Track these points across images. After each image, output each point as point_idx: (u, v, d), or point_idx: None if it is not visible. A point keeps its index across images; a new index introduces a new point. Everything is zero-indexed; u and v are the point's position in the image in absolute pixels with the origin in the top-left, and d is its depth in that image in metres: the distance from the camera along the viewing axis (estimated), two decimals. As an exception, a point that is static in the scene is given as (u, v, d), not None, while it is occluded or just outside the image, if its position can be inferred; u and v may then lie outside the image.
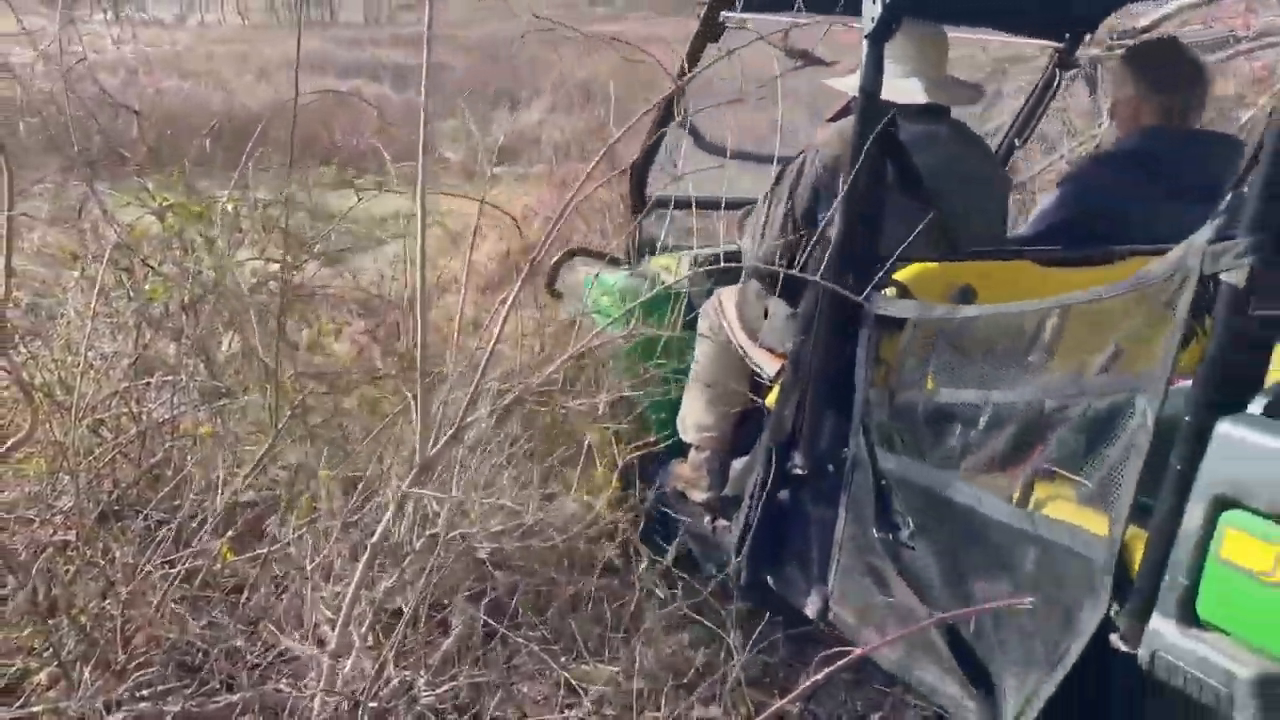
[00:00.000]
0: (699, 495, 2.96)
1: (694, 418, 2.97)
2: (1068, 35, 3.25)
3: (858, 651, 1.48)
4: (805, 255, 2.46)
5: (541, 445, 2.93)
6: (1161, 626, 1.61)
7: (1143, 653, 1.64)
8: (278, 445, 2.54)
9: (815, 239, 2.43)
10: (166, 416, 2.78)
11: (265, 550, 2.40)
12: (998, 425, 1.95)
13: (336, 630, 2.16)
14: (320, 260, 3.67)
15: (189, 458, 2.67)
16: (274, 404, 2.56)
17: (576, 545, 2.73)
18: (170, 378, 2.86)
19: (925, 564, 2.12)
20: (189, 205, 2.87)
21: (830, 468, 2.37)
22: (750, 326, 2.80)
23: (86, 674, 2.10)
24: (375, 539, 2.16)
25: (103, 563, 2.30)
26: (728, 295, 2.91)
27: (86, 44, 3.13)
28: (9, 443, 2.35)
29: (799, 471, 2.43)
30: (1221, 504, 1.53)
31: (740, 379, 2.86)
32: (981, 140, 2.87)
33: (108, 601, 2.25)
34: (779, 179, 2.66)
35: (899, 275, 2.25)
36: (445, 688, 2.22)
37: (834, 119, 2.68)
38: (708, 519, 2.92)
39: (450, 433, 2.11)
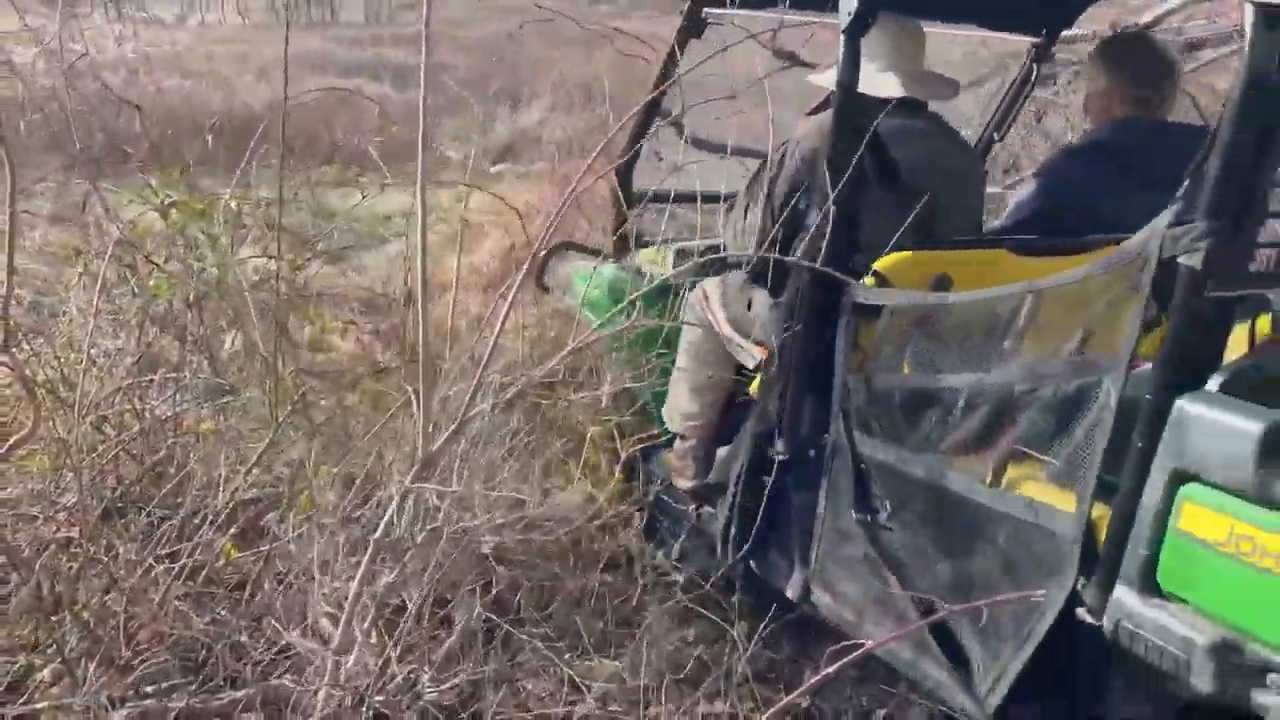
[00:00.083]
0: (685, 483, 3.00)
1: (680, 407, 3.02)
2: (1045, 31, 3.29)
3: (868, 645, 1.49)
4: (785, 246, 2.50)
5: (543, 438, 2.93)
6: (1124, 597, 1.68)
7: (1107, 623, 1.70)
8: (279, 441, 2.54)
9: (795, 231, 2.48)
10: (169, 414, 2.78)
11: (268, 546, 2.40)
12: (971, 408, 2.01)
13: (340, 626, 2.16)
14: (322, 259, 3.67)
15: (192, 455, 2.67)
16: (274, 400, 2.55)
17: (579, 539, 2.73)
18: (173, 375, 2.86)
19: (902, 545, 2.18)
20: (192, 203, 2.87)
21: (811, 453, 2.43)
22: (733, 317, 2.84)
23: (90, 670, 2.10)
24: (378, 534, 2.16)
25: (106, 559, 2.30)
26: (712, 286, 2.94)
27: (88, 42, 3.12)
28: (12, 440, 2.35)
29: (781, 458, 2.49)
30: (1180, 478, 1.60)
31: (724, 369, 2.90)
32: (958, 133, 2.92)
33: (111, 598, 2.25)
34: (759, 172, 2.72)
35: (877, 264, 2.29)
36: (449, 684, 2.22)
37: (813, 113, 2.74)
38: (693, 506, 2.96)
39: (454, 427, 2.11)
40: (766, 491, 2.52)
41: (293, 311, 3.13)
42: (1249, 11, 1.52)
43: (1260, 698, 1.53)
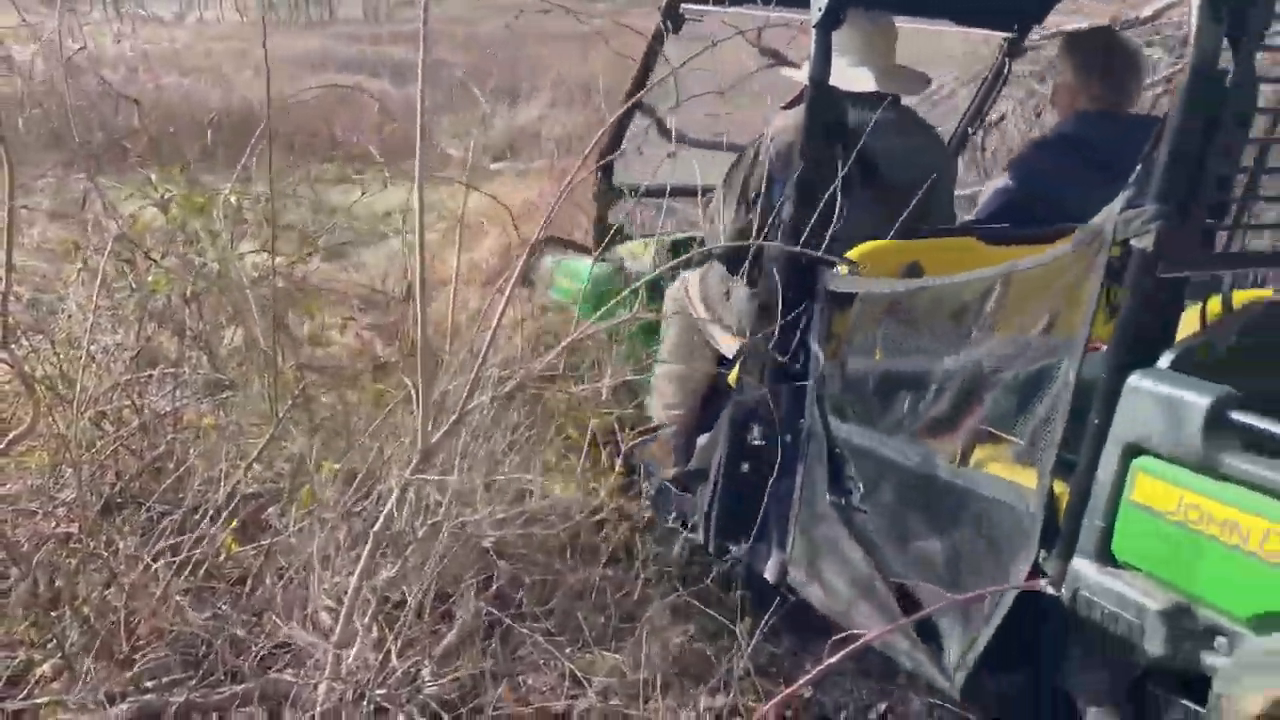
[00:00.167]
0: (668, 472, 3.04)
1: (662, 398, 3.05)
2: (1016, 26, 3.34)
3: (868, 635, 1.51)
4: (761, 238, 2.54)
5: (542, 431, 2.93)
6: (1082, 568, 1.76)
7: (1065, 593, 1.78)
8: (279, 436, 2.53)
9: (770, 222, 2.54)
10: (168, 409, 2.78)
11: (269, 541, 2.39)
12: (939, 391, 2.08)
13: (340, 620, 2.16)
14: (320, 254, 3.67)
15: (191, 450, 2.67)
16: (274, 395, 2.55)
17: (579, 533, 2.73)
18: (172, 370, 2.86)
19: (875, 526, 2.25)
20: (192, 197, 2.86)
21: (788, 439, 2.48)
22: (713, 307, 2.88)
23: (90, 665, 2.10)
24: (378, 527, 2.15)
25: (106, 554, 2.29)
26: (693, 278, 2.98)
27: (87, 37, 3.12)
28: (11, 435, 2.34)
29: (759, 444, 2.55)
30: (1133, 451, 1.68)
31: (705, 359, 2.94)
32: (930, 126, 2.98)
33: (111, 593, 2.25)
34: (735, 165, 2.78)
35: (850, 253, 2.35)
36: (450, 678, 2.22)
37: (788, 107, 2.78)
38: (674, 493, 3.00)
39: (454, 418, 2.11)
40: (745, 478, 2.59)
41: (292, 307, 3.13)
42: (1195, 1, 1.59)
43: (1209, 659, 1.60)
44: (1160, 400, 1.64)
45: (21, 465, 2.63)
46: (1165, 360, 1.70)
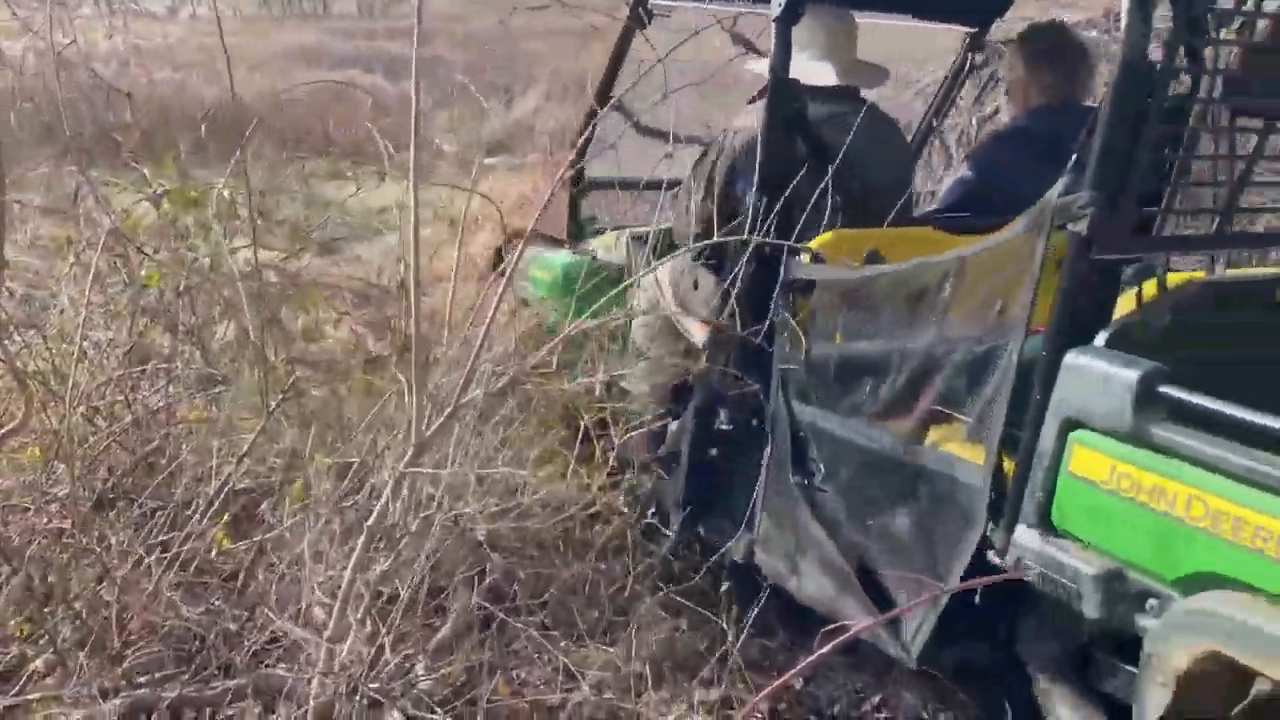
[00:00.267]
0: (643, 459, 3.06)
1: (636, 386, 3.08)
2: (979, 20, 3.39)
3: (860, 624, 1.55)
4: (726, 229, 2.56)
5: (536, 425, 2.94)
6: (1024, 537, 1.86)
7: (1009, 562, 1.87)
8: (271, 430, 2.53)
9: (735, 214, 2.59)
10: (161, 404, 2.77)
11: (261, 536, 2.39)
12: (896, 374, 2.16)
13: (334, 614, 2.16)
14: (314, 250, 3.66)
15: (184, 445, 2.67)
16: (266, 389, 2.55)
17: (572, 527, 2.74)
18: (165, 365, 2.85)
19: (836, 505, 2.34)
20: (185, 192, 2.85)
21: (754, 423, 2.55)
22: (682, 298, 2.91)
23: (83, 660, 2.10)
24: (371, 521, 2.15)
25: (98, 550, 2.29)
26: (663, 270, 3.00)
27: (78, 31, 3.10)
28: (3, 431, 2.34)
29: (725, 429, 2.63)
30: (1070, 425, 1.77)
31: (676, 348, 2.97)
32: (891, 119, 3.03)
33: (103, 588, 2.24)
34: (701, 158, 2.83)
35: (813, 243, 2.41)
36: (443, 671, 2.22)
37: (753, 101, 2.82)
38: (653, 484, 3.03)
39: (448, 412, 2.11)
40: (712, 462, 2.67)
41: (287, 302, 3.13)
42: None
43: (1141, 621, 1.68)
44: (1095, 376, 1.72)
45: (14, 461, 2.62)
46: (1101, 338, 1.78)
